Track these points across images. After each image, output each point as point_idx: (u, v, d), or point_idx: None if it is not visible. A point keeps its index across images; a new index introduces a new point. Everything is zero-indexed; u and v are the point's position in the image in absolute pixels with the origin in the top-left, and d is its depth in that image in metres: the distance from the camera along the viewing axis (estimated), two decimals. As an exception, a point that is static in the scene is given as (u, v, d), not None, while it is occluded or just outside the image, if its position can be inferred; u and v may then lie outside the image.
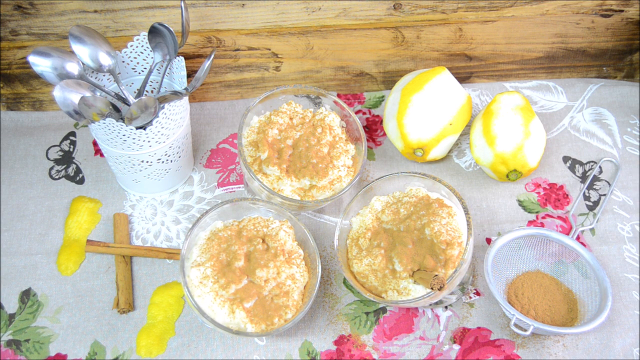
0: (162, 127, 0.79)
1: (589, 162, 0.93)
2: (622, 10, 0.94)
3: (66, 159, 0.94)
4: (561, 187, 0.91)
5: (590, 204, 0.90)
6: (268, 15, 0.89)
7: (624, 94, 1.00)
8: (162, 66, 0.85)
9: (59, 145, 0.95)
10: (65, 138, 0.96)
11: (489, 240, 0.87)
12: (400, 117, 0.88)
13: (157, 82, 0.87)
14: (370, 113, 0.99)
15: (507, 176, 0.88)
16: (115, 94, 0.82)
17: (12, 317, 0.80)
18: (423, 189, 0.82)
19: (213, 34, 0.91)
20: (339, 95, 1.01)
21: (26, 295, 0.82)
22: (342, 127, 0.88)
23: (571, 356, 0.77)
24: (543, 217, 0.89)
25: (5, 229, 0.87)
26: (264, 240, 0.78)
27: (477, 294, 0.83)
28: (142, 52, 0.85)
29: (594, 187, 0.91)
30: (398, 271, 0.76)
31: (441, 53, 0.97)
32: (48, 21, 0.87)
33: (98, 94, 0.80)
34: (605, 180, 0.92)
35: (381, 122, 0.98)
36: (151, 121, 0.78)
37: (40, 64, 0.77)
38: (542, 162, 0.93)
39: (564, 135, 0.96)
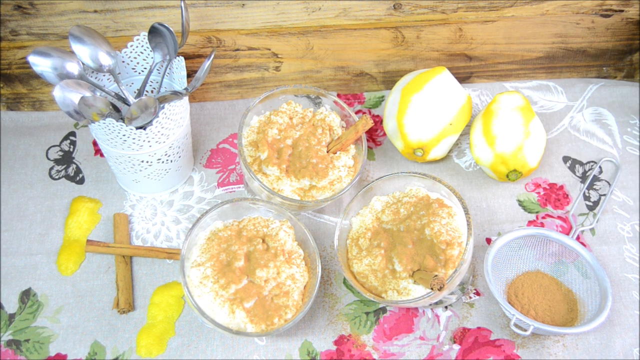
0: (162, 127, 0.79)
1: (589, 162, 0.93)
2: (622, 10, 0.94)
3: (66, 159, 0.94)
4: (561, 187, 0.91)
5: (590, 204, 0.90)
6: (268, 15, 0.89)
7: (624, 94, 1.00)
8: (162, 66, 0.85)
9: (59, 145, 0.95)
10: (65, 138, 0.96)
11: (489, 240, 0.87)
12: (400, 117, 0.88)
13: (157, 82, 0.87)
14: (370, 113, 0.99)
15: (507, 176, 0.88)
16: (115, 94, 0.82)
17: (12, 317, 0.80)
18: (423, 189, 0.82)
19: (213, 34, 0.91)
20: (339, 95, 1.01)
21: (26, 295, 0.82)
22: (342, 127, 0.88)
23: (571, 356, 0.77)
24: (543, 217, 0.89)
25: (5, 229, 0.87)
26: (264, 240, 0.78)
27: (477, 294, 0.83)
28: (142, 52, 0.85)
29: (594, 187, 0.91)
30: (398, 271, 0.76)
31: (441, 53, 0.97)
32: (48, 21, 0.87)
33: (98, 94, 0.80)
34: (605, 180, 0.92)
35: (381, 122, 0.98)
36: (151, 121, 0.78)
37: (40, 64, 0.77)
38: (542, 162, 0.93)
39: (564, 135, 0.96)
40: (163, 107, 0.78)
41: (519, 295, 0.80)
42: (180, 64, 0.82)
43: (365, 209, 0.83)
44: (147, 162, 0.83)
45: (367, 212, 0.83)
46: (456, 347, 0.79)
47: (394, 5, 0.90)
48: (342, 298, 0.83)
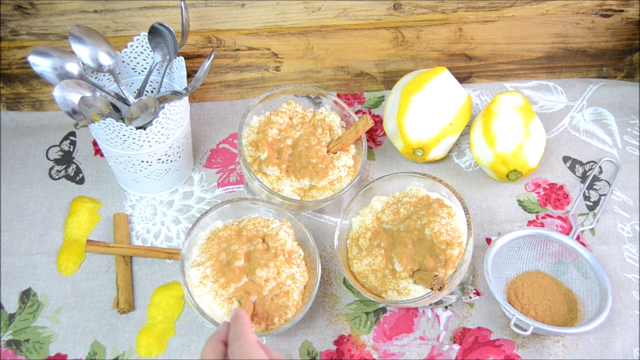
0: (162, 127, 0.79)
1: (589, 162, 0.93)
2: (622, 10, 0.94)
3: (66, 159, 0.94)
4: (561, 187, 0.91)
5: (590, 204, 0.90)
6: (268, 15, 0.90)
7: (624, 94, 1.00)
8: (162, 66, 0.85)
9: (59, 145, 0.95)
10: (65, 138, 0.96)
11: (489, 240, 0.87)
12: (400, 117, 0.88)
13: (157, 82, 0.87)
14: (370, 113, 0.99)
15: (507, 176, 0.88)
16: (115, 94, 0.82)
17: (12, 317, 0.80)
18: (423, 189, 0.82)
19: (213, 34, 0.91)
20: (339, 95, 1.01)
21: (26, 295, 0.82)
22: (342, 127, 0.88)
23: (571, 356, 0.77)
24: (543, 217, 0.89)
25: (5, 229, 0.87)
26: (264, 240, 0.78)
27: (477, 294, 0.83)
28: (142, 52, 0.85)
29: (594, 187, 0.91)
30: (398, 271, 0.76)
31: (441, 53, 0.97)
32: (48, 21, 0.87)
33: (98, 94, 0.80)
34: (605, 180, 0.92)
35: (381, 122, 0.98)
36: (151, 121, 0.78)
37: (40, 64, 0.77)
38: (542, 162, 0.93)
39: (564, 135, 0.96)
40: (163, 107, 0.78)
41: (519, 295, 0.80)
42: (180, 64, 0.82)
43: (365, 209, 0.83)
44: (147, 162, 0.83)
45: (367, 212, 0.83)
46: (456, 347, 0.79)
47: (394, 5, 0.90)
48: (342, 298, 0.83)
